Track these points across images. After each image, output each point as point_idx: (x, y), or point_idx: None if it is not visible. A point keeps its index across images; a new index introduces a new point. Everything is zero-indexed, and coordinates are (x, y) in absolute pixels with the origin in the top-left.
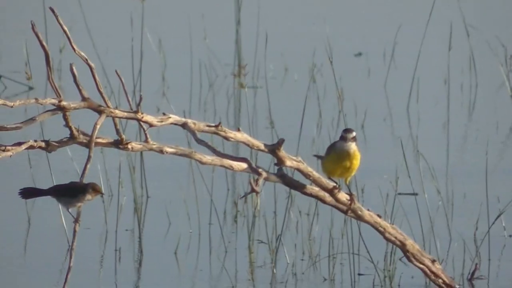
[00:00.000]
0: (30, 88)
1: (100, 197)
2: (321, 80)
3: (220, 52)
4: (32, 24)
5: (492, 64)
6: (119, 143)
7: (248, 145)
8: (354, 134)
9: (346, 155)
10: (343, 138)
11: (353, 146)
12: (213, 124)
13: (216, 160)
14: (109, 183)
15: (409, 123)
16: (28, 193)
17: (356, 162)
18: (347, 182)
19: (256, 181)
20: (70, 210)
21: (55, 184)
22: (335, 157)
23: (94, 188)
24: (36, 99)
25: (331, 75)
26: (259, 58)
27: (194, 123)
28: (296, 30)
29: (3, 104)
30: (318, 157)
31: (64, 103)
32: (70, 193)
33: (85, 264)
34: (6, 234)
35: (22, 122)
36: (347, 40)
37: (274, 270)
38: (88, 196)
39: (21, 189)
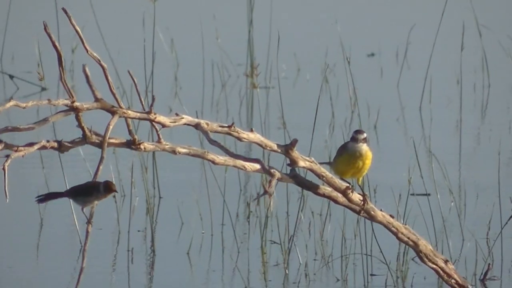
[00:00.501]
0: (43, 89)
1: (113, 197)
2: (333, 80)
3: (233, 52)
4: (44, 25)
5: (505, 64)
6: (131, 144)
7: (261, 145)
8: (365, 135)
9: (358, 156)
10: (354, 139)
11: (364, 147)
12: (226, 125)
13: (229, 160)
14: (122, 183)
15: (422, 123)
16: (46, 198)
17: (368, 162)
18: (359, 182)
19: (269, 182)
20: (84, 210)
21: (67, 184)
22: (346, 158)
23: (108, 186)
24: (48, 100)
25: (344, 75)
26: (272, 58)
27: (207, 124)
28: (308, 30)
29: (15, 105)
30: (326, 163)
31: (77, 103)
32: (85, 191)
33: (98, 265)
34: (19, 234)
35: (35, 123)
36: (360, 40)
37: (287, 271)
38: (103, 193)
39: (39, 196)
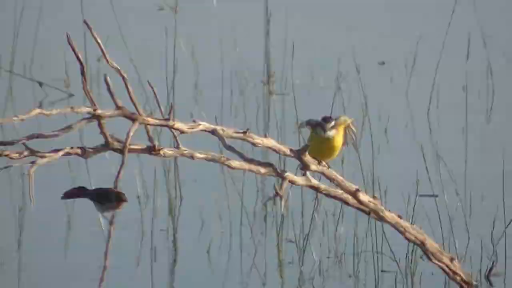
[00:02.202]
0: (71, 95)
1: (138, 197)
2: (346, 87)
3: (250, 61)
4: (67, 36)
5: (509, 71)
6: (151, 150)
7: (275, 150)
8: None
9: (326, 139)
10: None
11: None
12: (241, 131)
13: (245, 165)
14: (145, 185)
15: (430, 127)
16: (72, 194)
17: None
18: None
19: (281, 185)
20: (105, 213)
21: (93, 186)
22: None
23: (118, 198)
24: (71, 107)
25: (356, 82)
26: (287, 66)
27: (223, 130)
28: (322, 39)
29: (40, 113)
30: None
31: (99, 111)
32: (98, 198)
33: (122, 263)
34: (45, 233)
35: (59, 130)
36: (371, 49)
37: (302, 268)
38: (113, 205)
39: (67, 191)
